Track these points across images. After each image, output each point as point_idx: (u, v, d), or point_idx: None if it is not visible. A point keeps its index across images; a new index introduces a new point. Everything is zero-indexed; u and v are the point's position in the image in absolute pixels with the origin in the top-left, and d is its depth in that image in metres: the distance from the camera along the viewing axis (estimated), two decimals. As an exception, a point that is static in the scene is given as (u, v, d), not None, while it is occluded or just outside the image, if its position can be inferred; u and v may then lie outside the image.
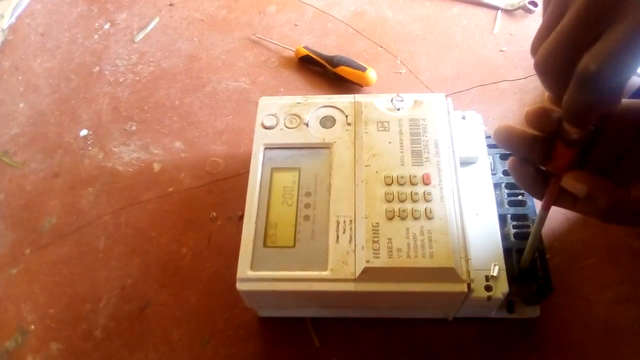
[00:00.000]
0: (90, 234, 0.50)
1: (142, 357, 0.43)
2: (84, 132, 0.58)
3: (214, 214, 0.50)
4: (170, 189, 0.52)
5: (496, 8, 0.65)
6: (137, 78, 0.62)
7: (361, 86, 0.58)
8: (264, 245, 0.39)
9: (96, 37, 0.67)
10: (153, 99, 0.60)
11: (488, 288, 0.38)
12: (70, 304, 0.46)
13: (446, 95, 0.46)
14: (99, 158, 0.56)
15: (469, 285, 0.36)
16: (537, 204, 0.42)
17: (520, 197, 0.44)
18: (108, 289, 0.47)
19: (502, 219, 0.42)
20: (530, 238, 0.38)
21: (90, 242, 0.50)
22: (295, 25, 0.66)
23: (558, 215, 0.48)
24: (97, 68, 0.64)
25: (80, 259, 0.49)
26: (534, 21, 0.63)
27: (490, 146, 0.46)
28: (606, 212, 0.29)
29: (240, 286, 0.37)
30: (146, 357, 0.43)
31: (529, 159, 0.32)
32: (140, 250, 0.49)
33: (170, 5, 0.70)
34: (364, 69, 0.57)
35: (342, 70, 0.58)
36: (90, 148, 0.57)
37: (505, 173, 0.45)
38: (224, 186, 0.52)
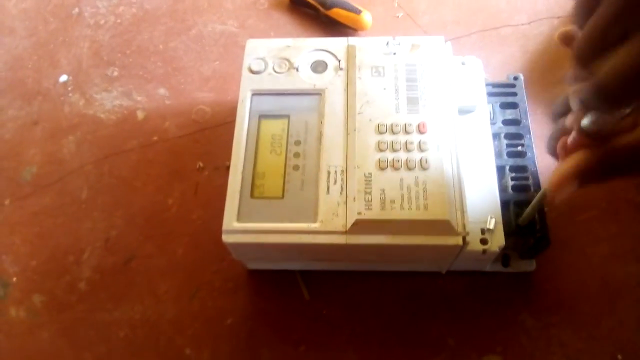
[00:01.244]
0: (72, 184, 0.48)
1: (127, 310, 0.42)
2: (63, 78, 0.55)
3: (201, 164, 0.48)
4: (155, 138, 0.50)
5: (501, -53, 0.61)
6: (119, 20, 0.59)
7: (356, 30, 0.55)
8: (251, 196, 0.37)
9: (74, -25, 0.63)
10: (135, 42, 0.57)
11: (484, 241, 0.36)
12: (52, 256, 0.45)
13: (445, 40, 0.43)
14: (80, 105, 0.53)
15: (464, 239, 0.35)
16: (538, 156, 0.41)
17: (519, 148, 0.42)
18: (91, 240, 0.45)
19: (501, 170, 0.41)
20: (535, 200, 0.36)
21: (72, 193, 0.48)
22: (287, -36, 0.62)
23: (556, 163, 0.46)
24: (77, 9, 0.60)
25: (62, 209, 0.47)
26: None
27: (490, 94, 0.44)
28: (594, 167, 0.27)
29: (226, 238, 0.36)
30: (132, 309, 0.42)
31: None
32: (124, 201, 0.47)
33: (153, -59, 0.65)
34: (358, 12, 0.54)
35: (336, 13, 0.55)
36: (70, 95, 0.54)
37: (505, 122, 0.43)
38: (210, 135, 0.50)
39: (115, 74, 0.55)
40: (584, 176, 0.27)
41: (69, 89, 0.54)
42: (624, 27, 0.23)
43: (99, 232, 0.46)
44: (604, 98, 0.24)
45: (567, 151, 0.28)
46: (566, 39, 0.28)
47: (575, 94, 0.25)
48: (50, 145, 0.51)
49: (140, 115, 0.52)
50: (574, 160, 0.27)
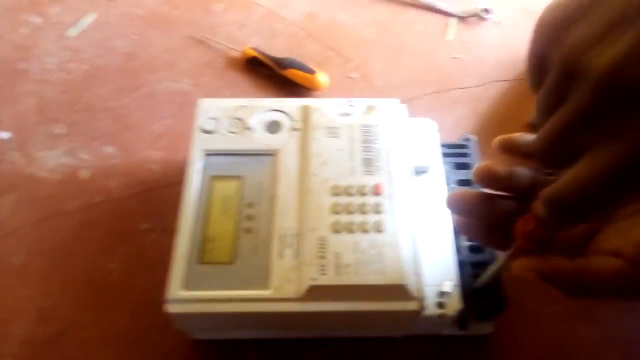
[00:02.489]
0: (5, 249, 0.45)
1: (59, 388, 0.39)
2: (4, 135, 0.53)
3: (147, 226, 0.46)
4: (99, 198, 0.48)
5: (450, 15, 0.64)
6: (68, 77, 0.58)
7: (311, 90, 0.55)
8: (200, 261, 0.36)
9: (23, 31, 0.62)
10: (84, 99, 0.55)
11: (440, 305, 0.36)
12: (-23, 329, 0.41)
13: (400, 102, 0.44)
14: (20, 164, 0.51)
15: (421, 302, 0.34)
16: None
17: (474, 209, 0.42)
18: (22, 310, 0.42)
19: (456, 231, 0.40)
20: (493, 268, 0.36)
21: (5, 258, 0.45)
22: (243, 25, 0.63)
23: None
24: (24, 65, 0.59)
25: (-8, 276, 0.44)
26: (487, 29, 0.63)
27: (444, 155, 0.44)
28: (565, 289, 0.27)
29: (170, 308, 0.34)
30: (65, 387, 0.39)
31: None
32: (62, 267, 0.44)
33: (109, 0, 0.65)
34: (313, 72, 0.55)
35: (291, 73, 0.55)
36: (10, 153, 0.51)
37: (460, 183, 0.43)
38: (159, 195, 0.48)
39: (61, 131, 0.53)
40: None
41: (9, 146, 0.52)
42: (589, 135, 0.21)
43: (31, 301, 0.42)
44: (559, 211, 0.24)
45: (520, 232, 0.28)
46: (505, 148, 0.29)
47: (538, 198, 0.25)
48: (-16, 205, 0.48)
49: (84, 174, 0.50)
50: (533, 263, 0.27)
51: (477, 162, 0.44)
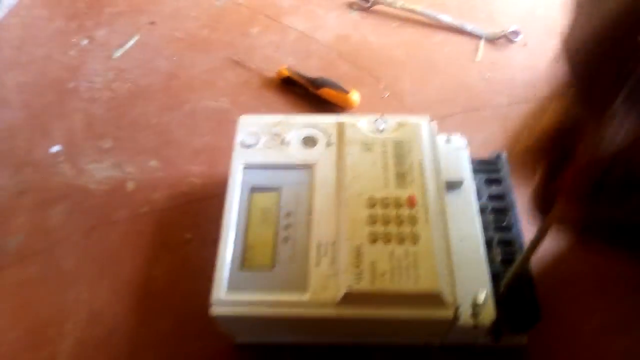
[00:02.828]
0: (58, 254, 0.48)
1: (107, 388, 0.41)
2: (55, 149, 0.56)
3: (189, 236, 0.49)
4: (144, 209, 0.51)
5: (479, 37, 0.66)
6: (113, 95, 0.61)
7: (344, 109, 0.58)
8: (241, 267, 0.38)
9: (73, 52, 0.66)
10: (129, 116, 0.59)
11: (475, 315, 0.37)
12: (32, 328, 0.44)
13: (430, 120, 0.46)
14: (70, 175, 0.54)
15: (455, 311, 0.35)
16: (523, 229, 0.42)
17: (505, 223, 0.43)
18: (74, 312, 0.44)
19: (489, 243, 0.42)
20: (516, 263, 0.38)
21: (58, 263, 0.47)
22: (278, 47, 0.66)
23: (547, 244, 0.47)
24: (72, 84, 0.63)
25: (46, 280, 0.46)
26: (515, 50, 0.64)
27: (475, 170, 0.46)
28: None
29: (214, 310, 0.36)
30: (112, 387, 0.41)
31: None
32: (110, 272, 0.47)
33: (151, 23, 0.69)
34: (347, 92, 0.57)
35: (325, 92, 0.58)
36: (61, 165, 0.55)
37: (490, 198, 0.45)
38: (200, 207, 0.51)
39: (107, 145, 0.56)
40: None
41: (60, 159, 0.55)
42: None
43: (82, 304, 0.45)
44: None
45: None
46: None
47: None
48: (38, 214, 0.51)
49: (130, 186, 0.53)
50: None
51: (508, 178, 0.46)
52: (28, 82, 0.63)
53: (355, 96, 0.57)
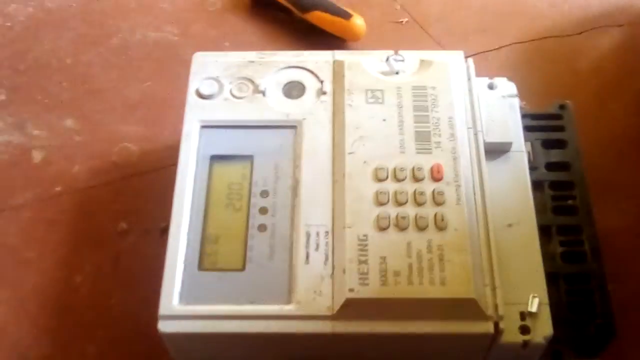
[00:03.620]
0: None
1: None
2: None
3: (124, 226, 0.51)
4: (58, 189, 0.53)
5: None
6: (9, 24, 0.62)
7: (344, 41, 0.59)
8: (200, 267, 0.40)
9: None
10: (33, 55, 0.60)
11: (524, 329, 0.39)
12: None
13: (466, 56, 0.47)
14: (-52, 142, 0.56)
15: (496, 325, 0.37)
16: (597, 212, 0.45)
17: (570, 202, 0.45)
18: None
19: (546, 232, 0.44)
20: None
21: None
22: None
23: (626, 235, 0.50)
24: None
25: None
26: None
27: (528, 128, 0.48)
28: None
29: (163, 326, 0.38)
30: None
31: None
32: (12, 279, 0.49)
33: None
34: (348, 16, 0.58)
35: (317, 17, 0.59)
36: None
37: (549, 167, 0.47)
38: (139, 185, 0.53)
39: (2, 98, 0.58)
40: None
41: None
42: None
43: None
44: None
45: None
46: None
47: None
48: None
49: (37, 156, 0.55)
50: None
51: (575, 140, 0.48)
52: None
53: (359, 22, 0.59)
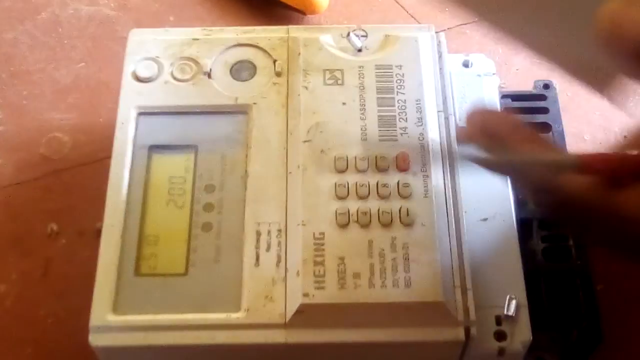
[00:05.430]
0: None
1: None
2: None
3: (54, 227, 0.51)
4: (-22, 186, 0.53)
5: None
6: None
7: (303, 14, 0.60)
8: (137, 273, 0.40)
9: None
10: (-52, 32, 0.61)
11: (500, 335, 0.40)
12: None
13: (439, 30, 0.48)
14: None
15: (467, 330, 0.38)
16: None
17: (554, 192, 0.46)
18: None
19: (525, 226, 0.45)
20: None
21: None
22: None
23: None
24: None
25: None
26: None
27: (509, 110, 0.49)
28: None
29: (95, 340, 0.38)
30: None
31: None
32: None
33: None
34: (308, -16, 0.59)
35: (272, -13, 0.60)
36: None
37: (531, 153, 0.48)
38: (71, 180, 0.53)
39: None
40: None
41: None
42: None
43: None
44: None
45: None
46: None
47: None
48: None
49: (-49, 147, 0.55)
50: None
51: (560, 123, 0.49)
52: None
53: (321, -8, 0.59)
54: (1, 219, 0.52)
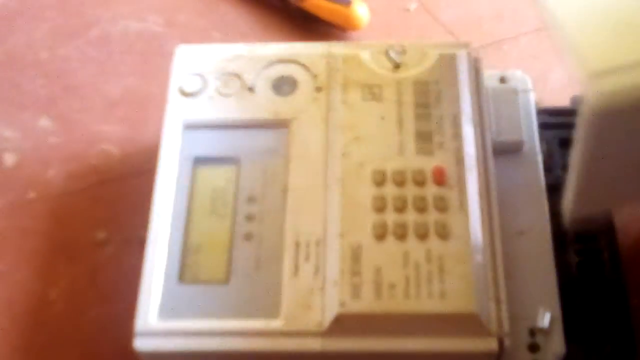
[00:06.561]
0: None
1: None
2: None
3: (103, 235, 0.52)
4: (32, 195, 0.54)
5: None
6: (-24, 13, 0.64)
7: (344, 31, 0.61)
8: (180, 279, 0.41)
9: None
10: (5, 48, 0.62)
11: (533, 347, 0.40)
12: None
13: (477, 47, 0.49)
14: None
15: (501, 341, 0.38)
16: (618, 218, 0.45)
17: (589, 207, 0.46)
18: None
19: (560, 239, 0.45)
20: None
21: None
22: None
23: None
24: None
25: None
26: None
27: (545, 126, 0.49)
28: None
29: (140, 344, 0.39)
30: None
31: None
32: (-20, 294, 0.50)
33: None
34: (348, 3, 0.59)
35: (314, 5, 0.60)
36: None
37: (566, 168, 0.48)
38: (119, 190, 0.54)
39: (-29, 96, 0.60)
40: None
41: None
42: None
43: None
44: None
45: None
46: None
47: None
48: None
49: (9, 159, 0.56)
50: None
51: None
52: None
53: (361, 10, 0.60)
54: (52, 227, 0.53)
